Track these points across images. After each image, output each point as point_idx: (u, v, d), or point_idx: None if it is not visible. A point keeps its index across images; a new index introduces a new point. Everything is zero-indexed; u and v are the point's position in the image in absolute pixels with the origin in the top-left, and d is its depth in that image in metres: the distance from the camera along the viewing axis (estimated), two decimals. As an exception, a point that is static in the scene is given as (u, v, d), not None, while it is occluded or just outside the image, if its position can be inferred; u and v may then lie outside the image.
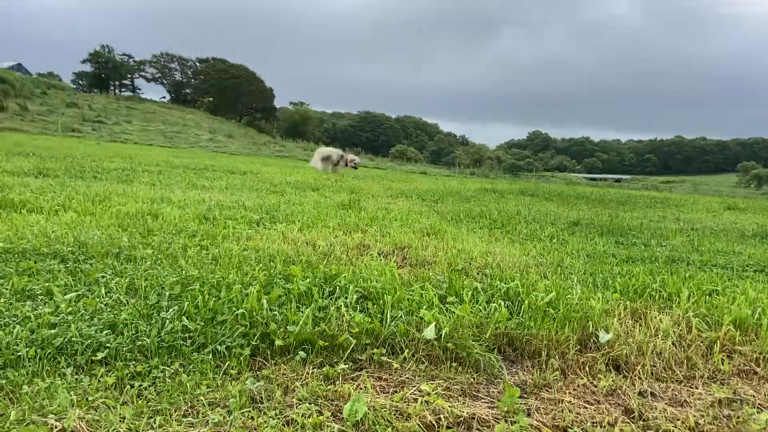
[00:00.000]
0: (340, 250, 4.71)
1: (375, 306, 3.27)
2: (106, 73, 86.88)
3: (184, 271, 3.66)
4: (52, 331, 2.59)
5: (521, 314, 3.34)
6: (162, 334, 2.69)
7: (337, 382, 2.50)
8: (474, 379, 2.71)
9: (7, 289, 3.10)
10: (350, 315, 3.06)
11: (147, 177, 9.07)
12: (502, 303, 3.39)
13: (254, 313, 2.97)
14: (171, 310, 2.94)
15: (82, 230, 4.55)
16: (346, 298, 3.33)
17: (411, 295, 3.49)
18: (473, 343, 2.93)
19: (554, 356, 2.99)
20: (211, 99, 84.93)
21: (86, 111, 50.34)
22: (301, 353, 2.70)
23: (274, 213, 6.24)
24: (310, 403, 2.29)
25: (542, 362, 2.94)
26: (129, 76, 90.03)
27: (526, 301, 3.47)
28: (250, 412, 2.19)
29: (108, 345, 2.56)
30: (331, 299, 3.34)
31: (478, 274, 4.24)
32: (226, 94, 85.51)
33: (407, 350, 2.83)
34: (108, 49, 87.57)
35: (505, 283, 3.80)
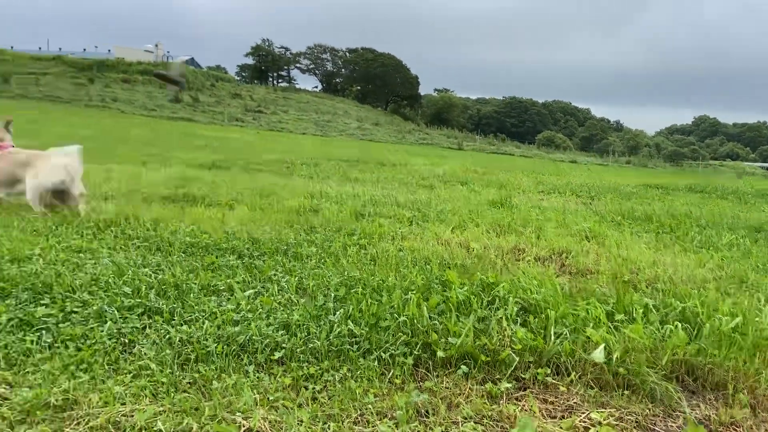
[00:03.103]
0: (495, 253, 4.62)
1: (536, 320, 3.16)
2: (266, 65, 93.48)
3: (346, 272, 3.81)
4: (236, 329, 2.82)
5: (701, 339, 3.03)
6: (331, 337, 2.82)
7: (501, 402, 2.45)
8: (649, 410, 2.51)
9: (195, 284, 3.43)
10: (511, 329, 2.98)
11: (305, 170, 9.60)
12: (679, 325, 3.10)
13: (415, 321, 3.01)
14: (338, 313, 3.07)
15: (254, 226, 4.92)
16: (506, 309, 3.25)
17: (575, 309, 3.32)
18: (648, 369, 2.71)
19: (742, 390, 2.68)
20: (358, 88, 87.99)
21: (248, 102, 54.58)
22: (463, 367, 2.68)
23: (425, 210, 6.29)
24: (475, 423, 2.26)
25: (728, 396, 2.64)
26: (286, 67, 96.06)
27: (707, 324, 3.14)
28: (417, 426, 2.21)
29: (284, 345, 2.73)
30: (490, 310, 3.28)
31: (647, 287, 3.93)
32: (374, 82, 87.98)
33: (573, 372, 2.69)
34: (268, 42, 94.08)
35: (681, 302, 3.47)
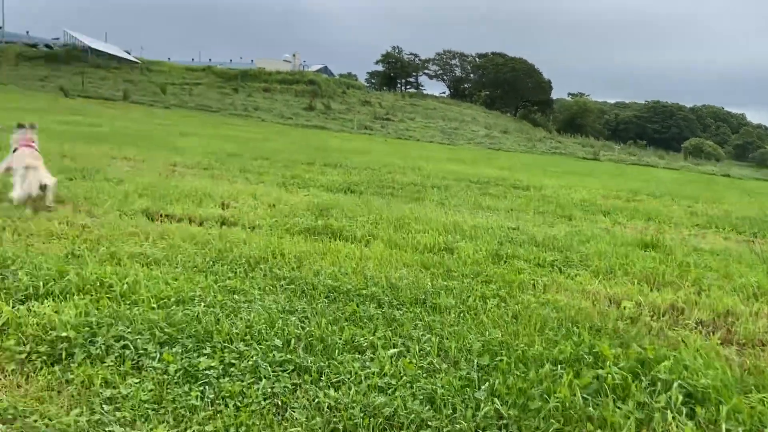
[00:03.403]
0: (649, 313, 4.26)
1: (705, 412, 2.84)
2: (395, 72, 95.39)
3: (487, 332, 3.70)
4: (382, 399, 2.83)
5: None
6: (477, 418, 2.73)
7: None
8: None
9: (339, 338, 3.50)
10: (678, 424, 2.71)
11: (436, 194, 9.57)
12: None
13: (566, 404, 2.83)
14: (482, 387, 2.97)
15: (391, 267, 4.96)
16: (668, 394, 2.96)
17: (748, 400, 2.96)
18: None
19: None
20: (487, 93, 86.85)
21: (377, 109, 55.91)
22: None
23: (566, 252, 5.98)
24: None
25: None
26: (414, 74, 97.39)
27: None
28: None
29: (429, 423, 2.69)
30: (650, 394, 3.00)
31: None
32: (503, 87, 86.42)
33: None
34: (398, 49, 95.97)
35: None
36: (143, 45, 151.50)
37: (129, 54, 71.14)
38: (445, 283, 4.68)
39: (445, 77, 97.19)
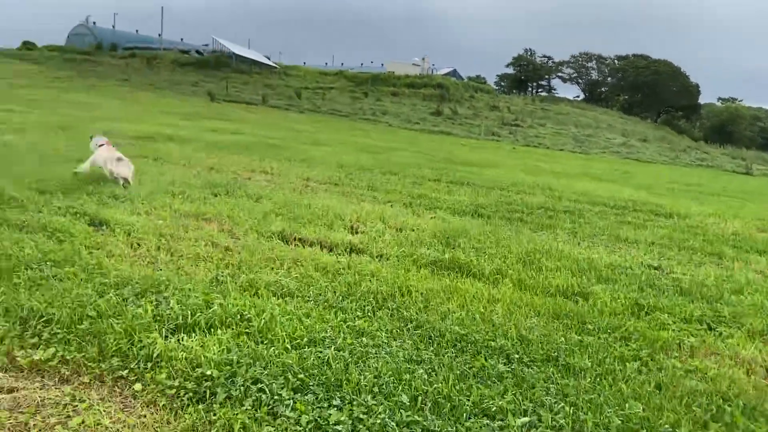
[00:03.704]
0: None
1: None
2: (526, 75, 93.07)
3: (627, 404, 3.44)
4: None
5: None
6: None
7: None
8: None
9: (468, 399, 3.42)
10: None
11: (568, 221, 9.14)
12: None
13: None
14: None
15: (521, 314, 4.78)
16: None
17: None
18: None
19: None
20: (625, 97, 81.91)
21: (505, 114, 54.80)
22: None
23: (716, 304, 5.43)
24: None
25: None
26: (546, 77, 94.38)
27: None
28: None
29: None
30: None
31: None
32: (643, 91, 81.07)
33: None
34: (530, 52, 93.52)
35: None
36: (281, 50, 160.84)
37: (269, 59, 75.75)
38: (579, 338, 4.42)
39: (579, 80, 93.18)
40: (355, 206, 8.66)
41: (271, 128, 24.94)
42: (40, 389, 3.28)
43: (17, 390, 3.27)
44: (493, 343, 4.20)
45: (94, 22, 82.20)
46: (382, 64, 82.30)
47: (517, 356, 4.05)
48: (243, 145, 15.05)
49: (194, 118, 26.90)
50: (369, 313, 4.63)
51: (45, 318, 3.95)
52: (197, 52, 72.19)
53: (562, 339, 4.37)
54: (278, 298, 4.72)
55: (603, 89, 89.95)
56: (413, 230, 7.51)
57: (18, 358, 3.54)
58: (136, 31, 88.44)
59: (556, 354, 4.11)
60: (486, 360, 3.93)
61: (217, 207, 7.61)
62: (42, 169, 8.79)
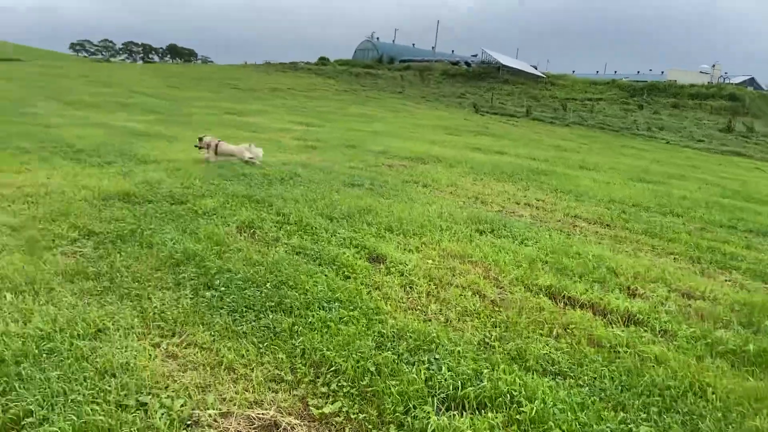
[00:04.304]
0: None
1: None
2: None
3: None
4: None
5: None
6: None
7: None
8: None
9: None
10: None
11: None
12: None
13: None
14: None
15: None
16: None
17: None
18: None
19: None
20: None
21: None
22: None
23: None
24: None
25: None
26: None
27: None
28: None
29: None
30: None
31: None
32: None
33: None
34: None
35: None
36: (549, 59, 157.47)
37: (536, 69, 74.88)
38: None
39: None
40: (632, 259, 7.84)
41: (534, 146, 24.45)
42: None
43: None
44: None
45: (378, 38, 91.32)
46: (662, 72, 74.94)
47: None
48: (507, 171, 14.94)
49: (459, 132, 27.84)
50: (654, 416, 4.05)
51: (334, 368, 4.29)
52: (466, 63, 75.00)
53: None
54: (549, 378, 4.42)
55: None
56: (704, 298, 6.48)
57: (311, 408, 3.89)
58: (413, 44, 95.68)
59: None
60: None
61: (482, 249, 7.57)
62: (330, 193, 9.82)
